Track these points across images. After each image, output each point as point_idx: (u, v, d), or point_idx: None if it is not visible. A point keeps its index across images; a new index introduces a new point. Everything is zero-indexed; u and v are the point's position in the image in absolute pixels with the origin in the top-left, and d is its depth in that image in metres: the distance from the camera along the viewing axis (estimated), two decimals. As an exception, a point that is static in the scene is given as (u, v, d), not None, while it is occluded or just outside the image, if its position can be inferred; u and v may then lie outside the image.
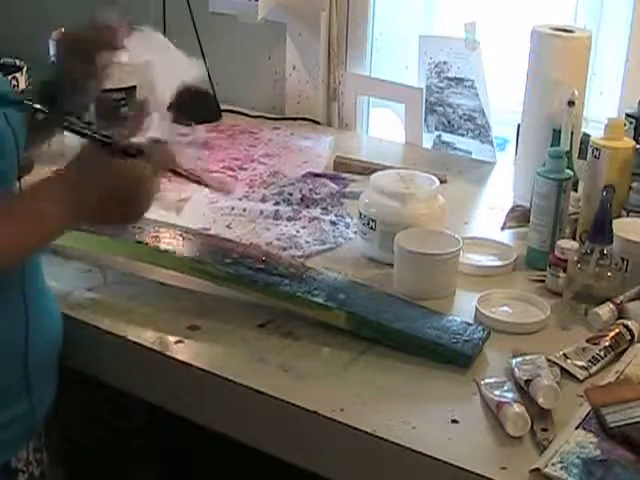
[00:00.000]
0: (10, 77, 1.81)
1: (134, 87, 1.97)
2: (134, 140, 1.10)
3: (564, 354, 1.20)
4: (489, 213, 1.70)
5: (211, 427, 1.21)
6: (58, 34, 1.43)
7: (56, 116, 1.13)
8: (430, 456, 1.03)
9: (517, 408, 1.07)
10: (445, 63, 1.99)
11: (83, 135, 1.09)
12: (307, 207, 1.66)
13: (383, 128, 2.20)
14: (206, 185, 1.25)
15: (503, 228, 1.61)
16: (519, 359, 1.18)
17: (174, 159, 1.13)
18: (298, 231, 1.57)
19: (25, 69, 1.93)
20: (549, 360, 1.18)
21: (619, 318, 1.28)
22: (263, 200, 1.69)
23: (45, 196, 1.02)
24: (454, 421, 1.09)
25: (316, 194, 1.71)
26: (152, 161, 1.08)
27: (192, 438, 1.42)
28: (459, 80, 1.98)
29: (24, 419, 1.13)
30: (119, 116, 1.94)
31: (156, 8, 2.18)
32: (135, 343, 1.24)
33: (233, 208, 1.64)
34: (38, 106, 1.11)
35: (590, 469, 0.99)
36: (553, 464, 1.00)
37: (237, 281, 1.31)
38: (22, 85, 1.81)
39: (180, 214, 1.55)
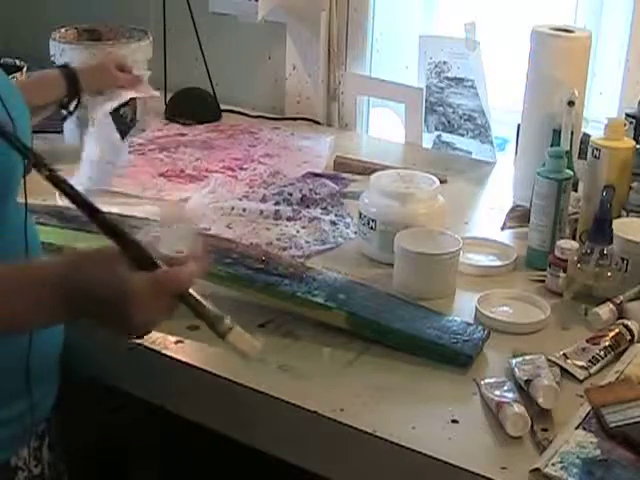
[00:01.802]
0: (10, 77, 1.81)
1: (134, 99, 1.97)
2: (155, 248, 0.97)
3: (564, 354, 1.20)
4: (489, 213, 1.70)
5: (211, 427, 1.21)
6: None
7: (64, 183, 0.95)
8: (430, 456, 1.03)
9: (517, 408, 1.07)
10: (445, 63, 1.99)
11: (95, 219, 0.95)
12: (307, 207, 1.66)
13: (383, 128, 2.20)
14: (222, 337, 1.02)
15: (503, 228, 1.61)
16: (519, 359, 1.18)
17: (188, 285, 0.97)
18: (298, 231, 1.57)
19: (25, 69, 1.93)
20: (549, 360, 1.18)
21: (619, 318, 1.28)
22: (263, 200, 1.69)
23: (40, 281, 0.96)
24: (454, 421, 1.09)
25: (316, 194, 1.71)
26: (163, 282, 0.95)
27: (192, 438, 1.41)
28: (459, 80, 1.98)
29: (24, 418, 1.13)
30: (119, 116, 1.94)
31: (156, 8, 2.18)
32: (135, 343, 1.24)
33: (233, 208, 1.64)
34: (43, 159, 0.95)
35: (590, 469, 0.99)
36: (553, 464, 1.00)
37: (237, 281, 1.31)
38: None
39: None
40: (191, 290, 0.97)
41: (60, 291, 0.95)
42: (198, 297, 0.97)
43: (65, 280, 0.95)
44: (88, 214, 0.95)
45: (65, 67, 1.64)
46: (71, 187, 0.94)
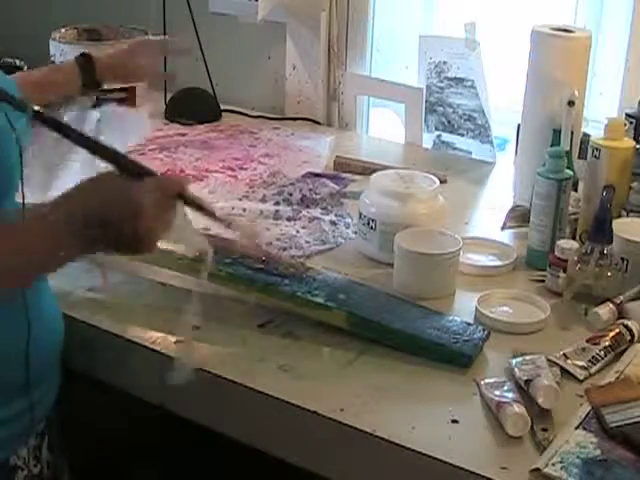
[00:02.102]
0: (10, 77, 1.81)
1: (134, 87, 1.98)
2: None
3: (564, 354, 1.20)
4: (489, 213, 1.70)
5: (211, 427, 1.21)
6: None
7: (54, 120, 1.05)
8: (430, 456, 1.03)
9: (517, 408, 1.06)
10: (445, 63, 1.99)
11: (87, 146, 1.03)
12: (307, 207, 1.66)
13: (383, 128, 2.20)
14: (228, 225, 1.14)
15: (503, 228, 1.61)
16: (519, 359, 1.18)
17: (185, 186, 1.05)
18: (298, 231, 1.57)
19: (25, 69, 1.93)
20: (549, 360, 1.18)
21: (619, 318, 1.28)
22: (263, 200, 1.69)
23: (46, 218, 0.99)
24: (454, 421, 1.09)
25: (316, 194, 1.71)
26: (162, 185, 1.02)
27: (192, 438, 1.41)
28: (459, 80, 1.98)
29: (23, 417, 1.13)
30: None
31: (156, 8, 2.18)
32: (135, 343, 1.24)
33: (233, 208, 1.64)
34: (37, 108, 1.04)
35: (590, 469, 0.99)
36: (553, 464, 1.00)
37: (237, 281, 1.31)
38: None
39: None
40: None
41: (71, 225, 0.98)
42: (195, 195, 1.05)
43: (73, 213, 0.98)
44: (87, 145, 1.02)
45: (82, 56, 1.53)
46: (70, 128, 1.02)
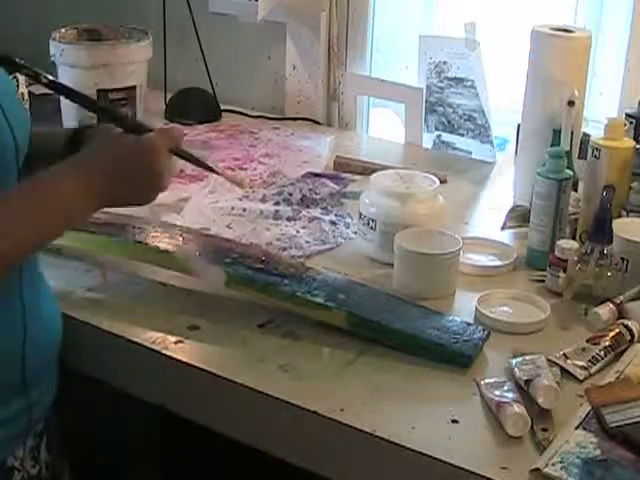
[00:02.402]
0: (10, 77, 1.81)
1: (134, 87, 1.98)
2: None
3: (564, 354, 1.20)
4: (489, 213, 1.70)
5: (211, 427, 1.21)
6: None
7: (61, 86, 1.17)
8: (430, 456, 1.03)
9: (517, 408, 1.06)
10: (445, 63, 1.99)
11: (91, 107, 1.19)
12: (307, 207, 1.66)
13: (383, 128, 2.20)
14: (218, 173, 1.25)
15: (503, 228, 1.61)
16: (519, 359, 1.18)
17: (182, 138, 1.15)
18: (298, 231, 1.57)
19: (25, 69, 1.93)
20: (549, 360, 1.18)
21: (619, 318, 1.28)
22: (263, 200, 1.69)
23: (60, 180, 1.05)
24: (454, 421, 1.09)
25: (316, 194, 1.71)
26: (162, 138, 1.10)
27: (192, 438, 1.41)
28: (459, 80, 1.98)
29: (21, 418, 1.13)
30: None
31: (156, 8, 2.18)
32: (135, 343, 1.24)
33: (233, 208, 1.64)
34: (50, 77, 1.14)
35: (590, 469, 0.99)
36: (553, 464, 1.00)
37: (237, 281, 1.31)
38: (22, 84, 1.81)
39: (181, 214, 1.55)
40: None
41: (81, 177, 1.05)
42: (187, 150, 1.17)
43: (90, 178, 1.06)
44: (88, 105, 1.19)
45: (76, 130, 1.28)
46: (80, 94, 1.16)
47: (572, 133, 1.57)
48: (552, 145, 1.56)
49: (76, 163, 1.07)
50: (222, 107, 2.20)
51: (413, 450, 1.04)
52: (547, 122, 1.60)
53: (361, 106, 2.19)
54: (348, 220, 1.62)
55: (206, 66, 2.17)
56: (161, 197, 1.14)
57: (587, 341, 1.23)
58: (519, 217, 1.61)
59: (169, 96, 2.19)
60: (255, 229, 1.57)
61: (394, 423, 1.08)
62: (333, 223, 1.61)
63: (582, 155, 1.61)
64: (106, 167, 1.07)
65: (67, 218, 1.06)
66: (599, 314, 1.28)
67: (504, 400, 1.09)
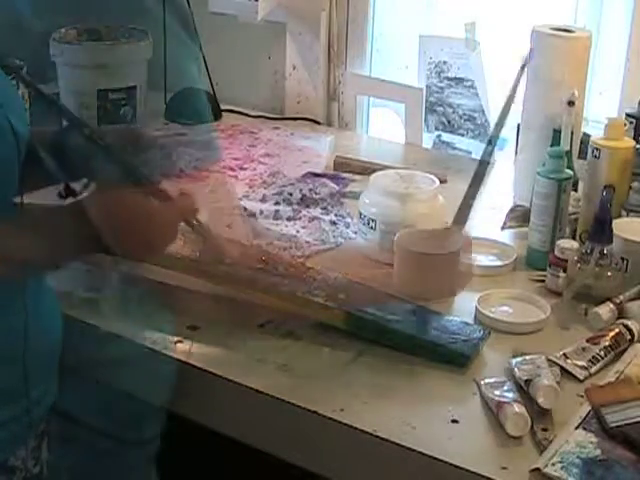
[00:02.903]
0: (10, 77, 1.81)
1: (134, 87, 1.98)
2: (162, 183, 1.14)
3: (564, 354, 1.20)
4: (489, 213, 1.70)
5: (211, 427, 1.21)
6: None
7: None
8: (430, 456, 1.03)
9: (517, 408, 1.07)
10: (445, 63, 1.99)
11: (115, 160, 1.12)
12: (307, 207, 1.66)
13: (383, 128, 2.20)
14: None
15: (503, 228, 1.61)
16: (519, 359, 1.18)
17: (195, 212, 1.15)
18: (298, 231, 1.57)
19: (25, 69, 1.93)
20: (549, 360, 1.18)
21: (619, 318, 1.28)
22: (263, 200, 1.69)
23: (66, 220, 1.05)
24: (454, 421, 1.09)
25: (316, 194, 1.71)
26: (176, 208, 1.11)
27: (191, 438, 1.41)
28: (459, 80, 1.98)
29: (22, 419, 1.12)
30: (120, 117, 1.95)
31: (156, 8, 2.18)
32: (135, 343, 1.24)
33: (233, 208, 1.64)
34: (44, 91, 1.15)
35: (590, 469, 0.99)
36: (553, 464, 1.00)
37: (237, 281, 1.31)
38: (22, 85, 1.81)
39: None
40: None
41: (84, 239, 1.04)
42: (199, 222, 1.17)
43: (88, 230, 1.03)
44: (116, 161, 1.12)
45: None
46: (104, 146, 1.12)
47: (572, 133, 1.57)
48: (552, 145, 1.55)
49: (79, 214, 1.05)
50: (222, 107, 2.20)
51: (413, 450, 1.04)
52: (547, 122, 1.60)
53: (361, 106, 2.19)
54: (348, 220, 1.62)
55: (206, 66, 2.17)
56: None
57: (587, 341, 1.23)
58: (519, 217, 1.61)
59: (169, 96, 2.19)
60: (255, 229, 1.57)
61: (394, 423, 1.08)
62: (333, 223, 1.61)
63: (582, 155, 1.61)
64: (107, 226, 1.05)
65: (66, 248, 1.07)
66: (599, 314, 1.28)
67: (504, 400, 1.09)
